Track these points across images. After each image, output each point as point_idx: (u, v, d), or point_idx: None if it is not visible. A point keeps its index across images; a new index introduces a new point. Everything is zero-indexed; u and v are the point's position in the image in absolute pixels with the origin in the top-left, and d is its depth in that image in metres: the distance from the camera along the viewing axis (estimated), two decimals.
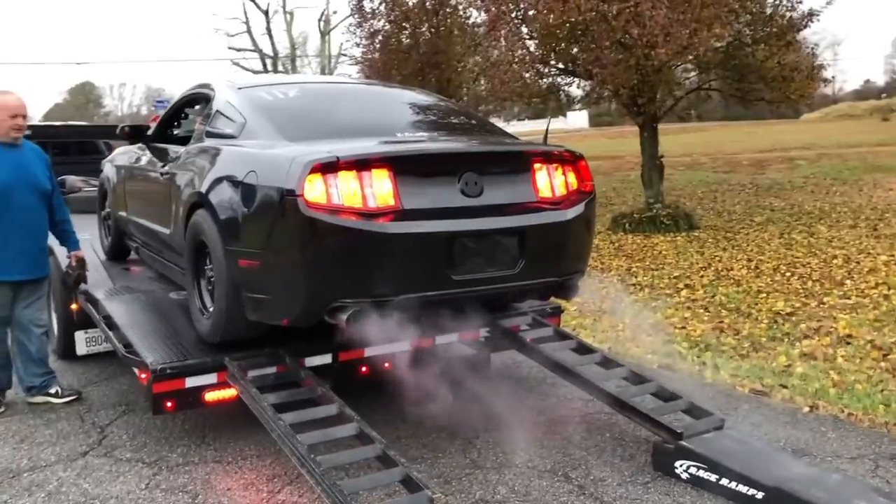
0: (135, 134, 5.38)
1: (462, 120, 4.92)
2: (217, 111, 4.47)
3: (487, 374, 4.89)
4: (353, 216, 3.41)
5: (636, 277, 8.86)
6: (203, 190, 3.96)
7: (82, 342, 5.27)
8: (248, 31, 37.31)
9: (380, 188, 3.50)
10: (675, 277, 8.67)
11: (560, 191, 4.00)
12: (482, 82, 13.93)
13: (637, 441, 4.10)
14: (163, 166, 4.79)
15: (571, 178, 4.07)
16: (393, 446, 3.98)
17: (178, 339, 4.20)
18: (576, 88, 13.48)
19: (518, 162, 4.02)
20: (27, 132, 9.37)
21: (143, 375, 3.84)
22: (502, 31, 11.91)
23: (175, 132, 5.40)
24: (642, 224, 11.73)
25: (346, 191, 3.44)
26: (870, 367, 5.23)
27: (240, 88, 4.58)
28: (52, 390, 4.89)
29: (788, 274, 8.36)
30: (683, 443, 3.61)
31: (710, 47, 10.79)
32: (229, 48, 46.23)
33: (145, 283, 5.26)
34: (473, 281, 3.68)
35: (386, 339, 3.73)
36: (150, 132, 5.39)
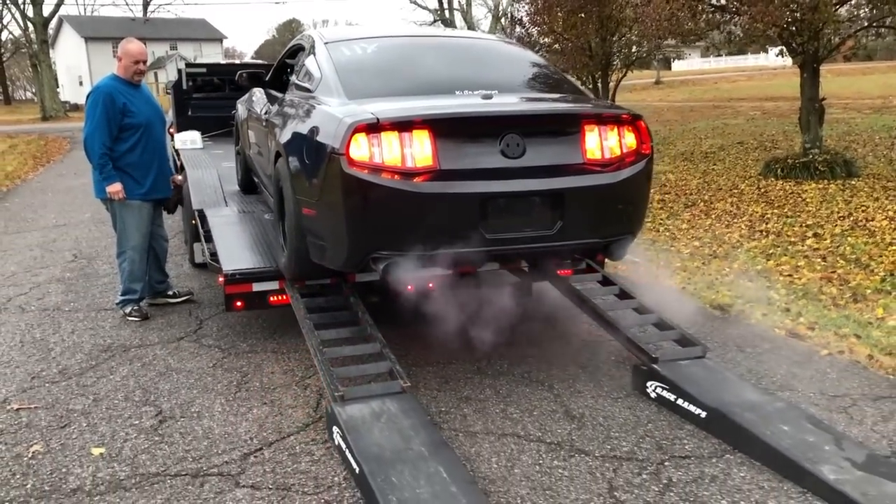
0: (252, 80, 5.85)
1: (535, 76, 4.84)
2: (303, 64, 4.78)
3: (529, 298, 5.33)
4: (392, 175, 3.60)
5: (766, 224, 8.71)
6: (282, 140, 4.31)
7: (199, 252, 6.30)
8: None
9: (419, 149, 3.63)
10: (807, 226, 8.44)
11: (612, 153, 3.98)
12: (635, 22, 13.56)
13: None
14: (265, 112, 5.18)
15: (629, 139, 4.04)
16: (420, 352, 4.65)
17: (264, 251, 4.94)
18: (734, 27, 12.91)
19: (566, 123, 4.01)
20: (202, 70, 10.63)
21: (221, 279, 4.72)
22: None
23: (287, 79, 5.70)
24: (795, 170, 11.22)
25: (388, 151, 3.61)
26: None
27: (326, 42, 4.72)
28: (170, 292, 5.97)
29: None
30: (655, 366, 3.97)
31: None
32: None
33: (252, 205, 6.15)
34: (506, 240, 3.82)
35: (421, 285, 4.10)
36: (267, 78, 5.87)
